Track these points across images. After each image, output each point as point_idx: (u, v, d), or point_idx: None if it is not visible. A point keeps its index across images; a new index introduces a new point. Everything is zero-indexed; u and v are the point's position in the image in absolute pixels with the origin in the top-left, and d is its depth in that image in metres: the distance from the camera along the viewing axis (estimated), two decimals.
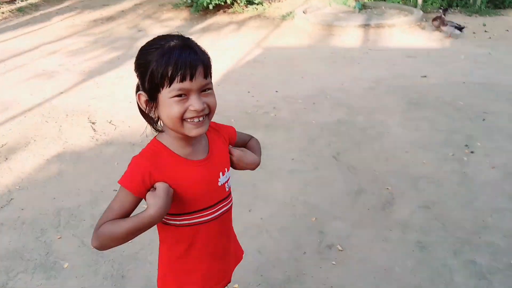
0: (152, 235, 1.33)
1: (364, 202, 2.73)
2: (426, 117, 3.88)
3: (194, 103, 0.99)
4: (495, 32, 6.95)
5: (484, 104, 4.08)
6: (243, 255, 1.38)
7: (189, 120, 1.01)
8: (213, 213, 1.15)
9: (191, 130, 1.03)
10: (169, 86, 0.98)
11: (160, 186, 1.02)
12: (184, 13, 8.88)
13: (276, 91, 4.62)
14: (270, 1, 10.08)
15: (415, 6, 8.63)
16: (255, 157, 1.28)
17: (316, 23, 7.55)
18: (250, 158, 1.26)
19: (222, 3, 8.55)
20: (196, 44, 1.03)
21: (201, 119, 1.02)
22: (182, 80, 0.97)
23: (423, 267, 2.18)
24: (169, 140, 1.09)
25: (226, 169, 1.18)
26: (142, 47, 1.04)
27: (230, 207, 1.23)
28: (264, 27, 7.94)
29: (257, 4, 9.37)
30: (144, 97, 1.05)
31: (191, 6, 8.78)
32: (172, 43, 0.99)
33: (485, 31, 7.07)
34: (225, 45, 6.47)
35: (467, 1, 8.95)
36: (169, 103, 1.00)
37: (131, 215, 1.06)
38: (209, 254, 1.19)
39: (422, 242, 2.35)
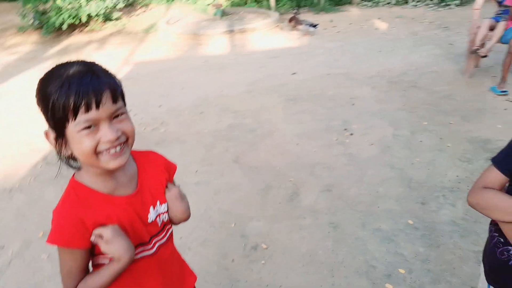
0: None
1: (274, 198, 2.85)
2: (305, 110, 4.22)
3: (106, 133, 0.89)
4: (341, 26, 7.90)
5: (349, 91, 4.61)
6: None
7: (104, 152, 0.91)
8: (149, 250, 1.06)
9: (109, 162, 0.92)
10: (75, 119, 0.87)
11: (107, 232, 0.93)
12: (34, 37, 8.04)
13: (160, 106, 4.50)
14: (129, 16, 9.75)
15: (270, 9, 9.29)
16: (188, 206, 1.16)
17: (182, 33, 7.57)
18: (184, 205, 1.13)
19: (76, 22, 7.97)
20: (100, 67, 0.94)
21: (117, 149, 0.93)
22: (87, 109, 0.86)
23: (341, 245, 2.38)
24: (88, 178, 0.98)
25: (159, 202, 1.09)
26: (40, 79, 0.92)
27: (167, 242, 1.13)
28: (127, 42, 7.66)
29: (116, 20, 8.97)
30: (51, 134, 0.93)
31: (41, 28, 7.98)
32: (71, 70, 0.88)
33: (333, 26, 7.99)
34: None
35: (313, 1, 9.99)
36: (78, 137, 0.89)
37: (98, 271, 0.97)
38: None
39: (334, 223, 2.56)
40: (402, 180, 2.96)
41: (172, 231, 1.16)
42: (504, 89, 4.34)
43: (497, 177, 1.14)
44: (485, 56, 4.56)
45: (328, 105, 4.30)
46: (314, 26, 7.28)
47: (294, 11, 7.93)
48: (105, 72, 0.93)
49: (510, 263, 1.13)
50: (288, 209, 2.73)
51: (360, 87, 4.69)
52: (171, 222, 1.15)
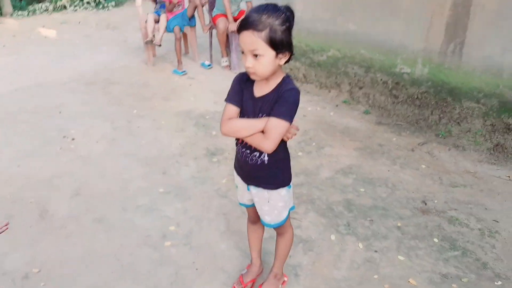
0: None
1: (22, 224, 2.57)
2: (9, 130, 3.79)
3: None
4: (5, 40, 7.14)
5: (50, 100, 4.42)
6: None
7: None
8: None
9: None
10: None
11: None
12: None
13: None
14: None
15: None
16: None
17: None
18: None
19: None
20: None
21: None
22: None
23: (113, 232, 2.49)
24: None
25: None
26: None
27: None
28: None
29: None
30: None
31: None
32: None
33: None
34: None
35: None
36: None
37: None
38: None
39: (97, 218, 2.62)
40: (139, 162, 3.28)
41: None
42: (183, 70, 5.27)
43: (233, 109, 1.63)
44: (160, 45, 5.34)
45: (34, 119, 4.02)
46: None
47: None
48: None
49: (258, 163, 1.66)
50: (44, 227, 2.56)
51: (60, 95, 4.58)
52: None
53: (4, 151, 3.44)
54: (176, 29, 5.23)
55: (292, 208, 1.90)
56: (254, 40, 1.44)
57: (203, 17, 5.46)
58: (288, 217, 1.88)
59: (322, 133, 3.63)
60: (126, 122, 3.95)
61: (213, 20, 5.38)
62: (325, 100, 4.27)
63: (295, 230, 2.43)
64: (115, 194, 2.87)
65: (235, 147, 1.78)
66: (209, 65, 5.50)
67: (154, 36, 5.28)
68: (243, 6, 5.37)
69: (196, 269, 2.24)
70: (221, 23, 5.16)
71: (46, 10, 9.46)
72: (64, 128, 3.82)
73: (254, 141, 1.59)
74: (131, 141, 3.59)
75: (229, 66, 5.42)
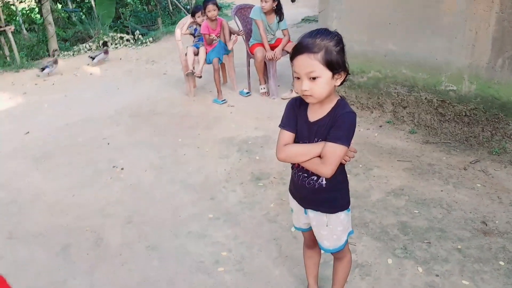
0: None
1: (78, 253, 2.65)
2: (62, 162, 3.96)
3: None
4: (54, 78, 7.58)
5: (98, 133, 4.61)
6: None
7: None
8: None
9: None
10: None
11: None
12: None
13: None
14: None
15: None
16: None
17: None
18: None
19: None
20: None
21: None
22: None
23: (167, 259, 2.52)
24: None
25: None
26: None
27: None
28: None
29: None
30: None
31: None
32: None
33: (44, 80, 7.57)
34: None
35: (5, 60, 9.08)
36: None
37: None
38: None
39: (150, 246, 2.65)
40: (187, 188, 3.32)
41: None
42: (223, 99, 5.38)
43: (288, 134, 1.64)
44: (200, 77, 5.50)
45: (83, 151, 4.19)
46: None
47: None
48: None
49: (316, 187, 1.65)
50: (100, 254, 2.62)
51: (107, 128, 4.77)
52: None
53: (59, 182, 3.59)
54: (215, 60, 5.39)
55: (351, 232, 1.85)
56: (311, 63, 1.45)
57: (229, 34, 5.63)
58: (347, 241, 1.83)
59: (368, 155, 3.56)
60: (172, 150, 4.04)
61: (251, 50, 5.50)
62: (368, 121, 4.21)
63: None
64: (166, 221, 2.91)
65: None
66: (247, 93, 5.59)
67: (194, 68, 5.45)
68: (279, 35, 5.47)
69: None
70: (258, 52, 5.27)
71: (90, 49, 10.01)
72: (113, 158, 3.96)
73: (312, 167, 1.58)
74: (178, 169, 3.66)
75: (267, 93, 5.49)
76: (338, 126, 1.52)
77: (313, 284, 2.10)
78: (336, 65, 1.48)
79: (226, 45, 5.66)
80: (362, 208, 2.86)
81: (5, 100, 6.45)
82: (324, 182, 1.64)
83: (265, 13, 5.08)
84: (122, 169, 3.75)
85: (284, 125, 1.66)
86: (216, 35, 5.47)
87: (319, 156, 1.55)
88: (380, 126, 4.10)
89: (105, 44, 8.96)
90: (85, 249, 2.67)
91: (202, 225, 2.83)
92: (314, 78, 1.47)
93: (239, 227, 2.78)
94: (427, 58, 3.78)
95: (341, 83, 1.54)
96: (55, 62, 7.84)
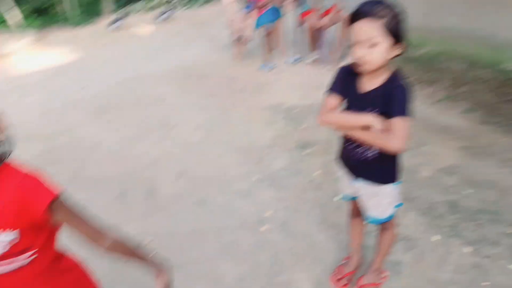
0: None
1: (134, 198, 2.82)
2: (119, 117, 4.17)
3: None
4: (108, 36, 7.82)
5: (153, 91, 4.77)
6: None
7: None
8: None
9: None
10: None
11: None
12: None
13: None
14: None
15: (10, 30, 8.29)
16: None
17: None
18: None
19: None
20: None
21: None
22: None
23: (213, 213, 2.63)
24: None
25: (1, 229, 1.02)
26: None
27: (13, 272, 1.09)
28: None
29: None
30: None
31: None
32: None
33: (100, 37, 7.82)
34: None
35: (64, 16, 9.43)
36: None
37: None
38: None
39: (198, 200, 2.77)
40: (235, 149, 3.40)
41: (25, 264, 1.11)
42: (270, 65, 5.36)
43: (334, 99, 1.61)
44: (249, 41, 5.47)
45: (137, 107, 4.36)
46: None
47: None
48: None
49: (368, 158, 1.64)
50: (153, 203, 2.77)
51: (162, 86, 4.91)
52: None
53: (116, 134, 3.78)
54: (264, 26, 5.33)
55: (400, 205, 1.84)
56: (373, 28, 1.40)
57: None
58: (394, 213, 1.83)
59: (421, 131, 3.46)
60: (220, 112, 4.12)
61: (302, 16, 5.39)
62: (422, 97, 4.07)
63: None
64: (213, 178, 3.01)
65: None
66: (296, 60, 5.52)
67: (242, 32, 5.43)
68: (329, 5, 5.30)
69: (293, 255, 2.27)
70: (310, 19, 5.16)
71: (139, 11, 10.16)
72: (165, 116, 4.09)
73: (379, 142, 1.54)
74: (226, 131, 3.74)
75: (317, 61, 5.40)
76: (398, 99, 1.48)
77: (356, 250, 2.12)
78: (398, 34, 1.43)
79: (278, 10, 5.56)
80: (410, 183, 2.82)
81: (64, 55, 6.74)
82: (376, 153, 1.62)
83: None
84: (174, 126, 3.87)
85: (333, 89, 1.63)
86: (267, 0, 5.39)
87: (366, 128, 1.52)
88: (435, 102, 3.95)
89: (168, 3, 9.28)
90: (139, 197, 2.83)
91: (247, 186, 2.90)
92: (373, 45, 1.43)
93: (283, 191, 2.83)
94: (491, 35, 3.56)
95: (397, 56, 1.50)
96: (125, 15, 8.38)
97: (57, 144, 3.66)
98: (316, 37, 5.36)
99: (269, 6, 5.51)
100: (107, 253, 1.17)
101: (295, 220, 2.55)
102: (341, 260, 2.21)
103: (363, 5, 1.45)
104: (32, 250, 1.09)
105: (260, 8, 5.45)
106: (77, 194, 2.85)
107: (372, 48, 1.43)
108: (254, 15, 5.42)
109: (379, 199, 1.76)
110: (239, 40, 5.51)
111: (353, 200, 1.93)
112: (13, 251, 1.04)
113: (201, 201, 2.76)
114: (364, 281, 2.06)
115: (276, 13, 5.55)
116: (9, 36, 7.61)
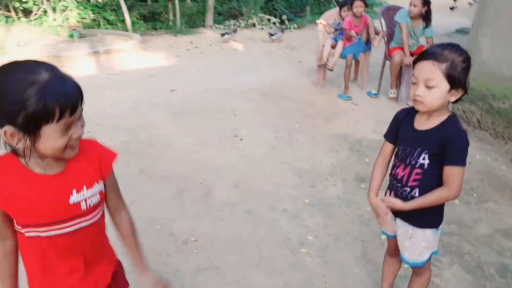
0: None
1: (189, 199, 3.09)
2: (194, 122, 4.53)
3: (77, 131, 1.08)
4: (203, 48, 8.44)
5: (229, 104, 5.10)
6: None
7: (69, 146, 1.08)
8: (64, 228, 1.16)
9: (70, 153, 1.10)
10: (57, 122, 1.00)
11: None
12: None
13: None
14: None
15: (126, 30, 9.31)
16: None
17: (39, 56, 7.05)
18: None
19: None
20: (63, 71, 1.06)
21: (77, 141, 1.11)
22: (72, 113, 1.03)
23: (259, 226, 2.78)
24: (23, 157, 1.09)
25: (85, 187, 1.18)
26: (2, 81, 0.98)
27: (91, 226, 1.22)
28: None
29: None
30: (11, 130, 1.00)
31: None
32: (44, 76, 0.98)
33: (195, 47, 8.48)
34: None
35: (168, 23, 10.35)
36: (54, 136, 1.03)
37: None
38: (59, 269, 1.22)
39: (248, 210, 2.95)
40: (293, 171, 3.54)
41: (100, 218, 1.28)
42: (348, 95, 5.42)
43: (387, 145, 1.73)
44: (331, 70, 5.60)
45: (214, 116, 4.70)
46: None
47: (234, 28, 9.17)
48: (69, 76, 1.06)
49: (408, 199, 1.67)
50: (206, 206, 3.01)
51: (238, 100, 5.23)
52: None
53: (188, 138, 4.13)
54: (349, 56, 5.42)
55: (435, 252, 1.84)
56: (432, 70, 1.48)
57: (373, 33, 5.55)
58: (429, 259, 1.83)
59: (488, 186, 3.30)
60: (288, 134, 4.29)
61: (389, 52, 5.39)
62: (499, 152, 3.86)
63: (434, 277, 2.33)
64: (267, 194, 3.18)
65: (385, 178, 1.83)
66: (375, 94, 5.52)
67: (328, 60, 5.57)
68: (423, 41, 5.24)
69: (325, 282, 2.34)
70: (397, 55, 5.14)
71: (239, 26, 10.78)
72: (235, 128, 4.37)
73: (439, 200, 1.61)
74: (289, 152, 3.89)
75: (396, 98, 5.35)
76: (455, 147, 1.52)
77: None
78: (457, 80, 1.48)
79: (365, 43, 5.63)
80: (463, 237, 2.72)
81: (161, 59, 7.45)
82: (417, 195, 1.66)
83: (412, 18, 4.91)
84: (242, 139, 4.13)
85: (385, 135, 1.74)
86: (356, 33, 5.48)
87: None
88: (510, 161, 3.73)
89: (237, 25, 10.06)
90: (195, 198, 3.10)
91: (297, 207, 3.02)
92: (430, 87, 1.50)
93: (331, 219, 2.90)
94: None
95: (455, 102, 1.54)
96: (235, 31, 9.15)
97: (137, 138, 4.11)
98: (399, 74, 5.33)
99: (357, 38, 5.61)
100: (117, 227, 1.36)
101: (336, 249, 2.61)
102: None
103: (431, 47, 1.54)
104: (102, 205, 1.28)
105: (348, 39, 5.57)
106: (143, 185, 3.23)
107: (428, 90, 1.51)
108: (342, 44, 5.55)
109: (414, 241, 1.78)
110: (323, 67, 5.67)
111: (392, 238, 1.96)
112: (98, 204, 1.24)
113: (250, 212, 2.94)
114: None
115: (363, 46, 5.63)
116: (119, 36, 8.60)
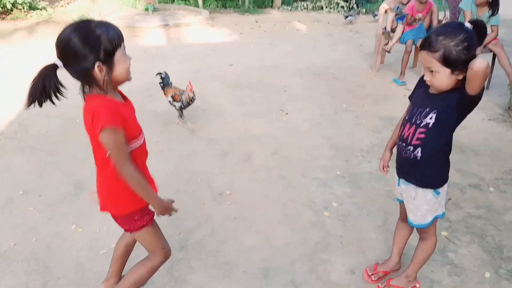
0: None
1: (231, 160, 3.40)
2: (246, 95, 4.82)
3: (129, 55, 1.50)
4: (267, 27, 8.65)
5: (281, 80, 5.32)
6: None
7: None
8: (143, 138, 1.62)
9: (130, 75, 1.52)
10: (120, 47, 1.43)
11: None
12: None
13: None
14: (53, 6, 9.55)
15: (197, 7, 9.76)
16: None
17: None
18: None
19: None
20: None
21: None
22: (123, 40, 1.48)
23: (289, 189, 3.03)
24: (103, 94, 1.48)
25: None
26: (75, 33, 1.37)
27: (144, 143, 1.66)
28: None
29: (41, 9, 8.79)
30: (99, 64, 1.39)
31: None
32: (97, 21, 1.42)
33: (259, 26, 8.71)
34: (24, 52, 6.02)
35: (238, 3, 10.65)
36: (122, 59, 1.45)
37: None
38: (145, 169, 1.70)
39: (282, 175, 3.20)
40: (331, 146, 3.71)
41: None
42: (403, 80, 5.38)
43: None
44: (389, 52, 5.57)
45: (265, 91, 4.95)
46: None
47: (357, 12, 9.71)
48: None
49: (411, 157, 1.80)
50: (245, 167, 3.31)
51: (290, 78, 5.42)
52: None
53: (238, 107, 4.44)
54: (409, 42, 5.35)
55: (440, 216, 1.93)
56: (428, 59, 1.61)
57: (437, 20, 5.40)
58: (432, 222, 1.93)
59: None
60: (333, 112, 4.43)
61: None
62: None
63: (449, 253, 2.44)
64: (302, 162, 3.40)
65: None
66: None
67: (387, 31, 5.54)
68: (488, 30, 5.03)
69: (341, 242, 2.53)
70: None
71: (306, 8, 10.80)
72: (283, 103, 4.60)
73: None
74: (331, 128, 4.05)
75: None
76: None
77: (395, 254, 2.27)
78: (454, 63, 1.56)
79: (426, 30, 5.51)
80: (489, 221, 2.75)
81: (225, 35, 7.80)
82: (419, 154, 1.77)
83: (477, 5, 4.73)
84: (287, 113, 4.35)
85: (409, 96, 1.90)
86: (419, 18, 5.38)
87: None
88: None
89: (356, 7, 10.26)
90: (236, 159, 3.41)
91: (328, 177, 3.21)
92: (433, 72, 1.63)
93: (359, 190, 3.06)
94: None
95: (464, 78, 1.63)
96: (358, 13, 9.59)
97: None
98: None
99: (419, 23, 5.51)
100: (126, 180, 1.54)
101: (357, 216, 2.78)
102: (382, 260, 2.38)
103: (429, 35, 1.64)
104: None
105: (409, 24, 5.49)
106: (193, 143, 3.59)
107: (432, 74, 1.64)
108: (402, 29, 5.48)
109: (417, 204, 1.89)
110: (382, 50, 5.65)
111: (402, 202, 2.08)
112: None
113: (283, 176, 3.18)
114: (393, 282, 2.21)
115: (423, 32, 5.51)
116: (190, 11, 9.09)
